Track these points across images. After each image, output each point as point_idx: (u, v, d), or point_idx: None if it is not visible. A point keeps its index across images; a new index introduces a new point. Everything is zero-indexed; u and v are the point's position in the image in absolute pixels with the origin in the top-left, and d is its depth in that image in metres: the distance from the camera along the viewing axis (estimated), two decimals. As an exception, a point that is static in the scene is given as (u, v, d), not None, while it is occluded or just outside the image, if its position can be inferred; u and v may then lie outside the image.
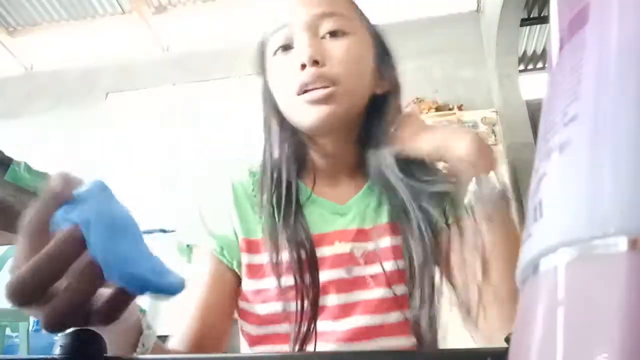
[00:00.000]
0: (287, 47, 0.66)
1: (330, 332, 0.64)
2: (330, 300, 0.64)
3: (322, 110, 0.62)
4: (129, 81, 4.41)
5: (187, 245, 0.72)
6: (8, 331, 2.22)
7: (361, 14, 0.73)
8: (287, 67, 0.65)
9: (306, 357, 0.50)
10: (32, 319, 2.68)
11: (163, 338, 0.55)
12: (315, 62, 0.62)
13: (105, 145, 4.18)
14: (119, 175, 4.04)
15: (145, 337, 0.45)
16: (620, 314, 0.12)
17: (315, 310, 0.61)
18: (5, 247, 2.54)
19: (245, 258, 0.67)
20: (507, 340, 0.37)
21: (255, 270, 0.66)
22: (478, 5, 4.05)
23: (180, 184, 3.86)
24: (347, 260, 0.66)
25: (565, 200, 0.15)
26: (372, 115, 0.69)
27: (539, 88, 4.79)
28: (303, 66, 0.62)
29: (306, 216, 0.68)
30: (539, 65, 5.01)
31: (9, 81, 4.70)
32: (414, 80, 3.81)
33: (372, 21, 0.75)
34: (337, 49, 0.64)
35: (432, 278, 0.62)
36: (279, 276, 0.63)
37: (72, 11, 4.32)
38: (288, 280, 0.62)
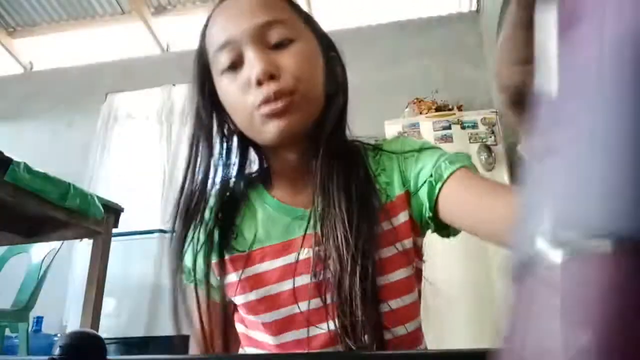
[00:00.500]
0: (235, 66, 0.64)
1: (307, 339, 0.65)
2: (300, 307, 0.65)
3: (282, 123, 0.63)
4: (129, 81, 4.41)
5: None
6: (7, 332, 2.22)
7: (302, 14, 0.71)
8: (239, 84, 0.64)
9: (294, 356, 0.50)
10: (31, 320, 2.69)
11: (164, 338, 0.56)
12: (271, 77, 0.62)
13: (105, 145, 4.18)
14: (119, 175, 4.05)
15: None
16: (606, 314, 0.13)
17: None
18: (5, 248, 2.54)
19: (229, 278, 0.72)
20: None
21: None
22: (478, 5, 4.05)
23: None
24: (314, 265, 0.65)
25: (552, 202, 0.15)
26: (324, 117, 0.69)
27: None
28: (259, 82, 0.62)
29: (270, 225, 0.70)
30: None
31: (9, 81, 4.70)
32: (414, 81, 3.82)
33: (310, 16, 0.74)
34: (287, 58, 0.64)
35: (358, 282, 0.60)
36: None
37: (71, 11, 4.32)
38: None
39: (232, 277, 0.70)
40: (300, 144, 0.68)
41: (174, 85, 4.25)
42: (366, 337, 0.59)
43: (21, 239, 2.19)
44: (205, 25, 0.71)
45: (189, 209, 0.68)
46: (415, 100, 3.50)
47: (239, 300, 0.70)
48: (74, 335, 0.31)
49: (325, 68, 0.70)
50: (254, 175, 0.77)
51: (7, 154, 1.62)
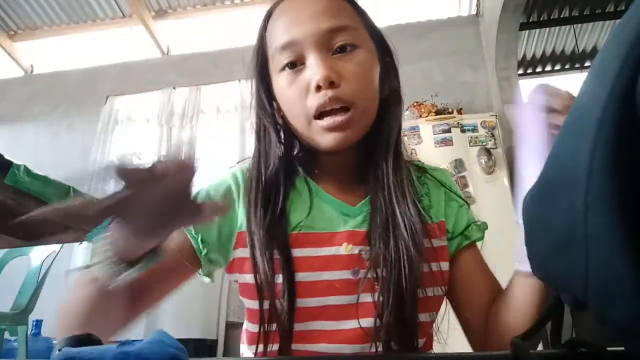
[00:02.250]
0: (294, 65, 0.65)
1: (331, 332, 0.64)
2: (333, 300, 0.65)
3: (339, 136, 0.64)
4: (129, 84, 4.41)
5: None
6: (7, 335, 2.21)
7: (364, 18, 0.72)
8: (299, 86, 0.65)
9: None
10: (31, 323, 2.68)
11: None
12: (331, 83, 0.62)
13: (105, 148, 4.18)
14: (118, 178, 4.04)
15: None
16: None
17: (291, 310, 0.62)
18: (4, 250, 2.54)
19: (242, 252, 0.68)
20: (512, 344, 0.37)
21: (249, 265, 0.67)
22: (478, 9, 4.06)
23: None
24: (355, 261, 0.66)
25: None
26: (378, 123, 0.71)
27: (538, 92, 4.79)
28: (318, 87, 0.62)
29: (317, 214, 0.70)
30: (538, 69, 5.02)
31: (10, 84, 4.71)
32: (414, 84, 3.82)
33: (373, 21, 0.75)
34: (349, 66, 0.64)
35: (412, 285, 0.62)
36: (255, 273, 0.64)
37: (72, 15, 4.33)
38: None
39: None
40: (352, 149, 0.69)
41: (174, 88, 4.26)
42: (395, 341, 0.61)
43: (21, 241, 2.19)
44: (268, 17, 0.71)
45: (268, 187, 0.69)
46: (415, 104, 3.50)
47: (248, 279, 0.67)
48: (73, 339, 0.31)
49: (381, 73, 0.72)
50: (299, 161, 0.76)
51: (7, 156, 1.61)
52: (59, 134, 4.36)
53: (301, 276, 0.65)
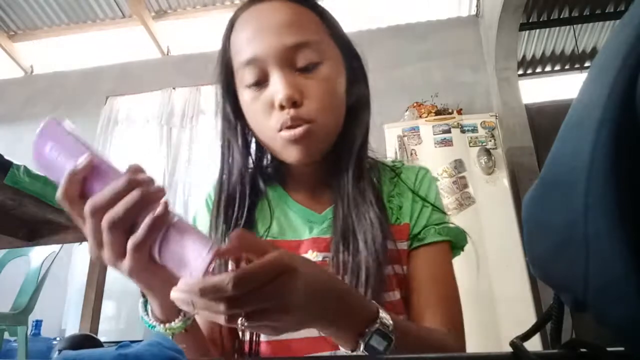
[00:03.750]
0: (258, 82, 0.65)
1: (299, 340, 0.65)
2: None
3: (301, 149, 0.65)
4: (129, 85, 4.41)
5: None
6: (6, 335, 2.21)
7: (329, 25, 0.71)
8: (262, 103, 0.65)
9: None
10: (30, 323, 2.68)
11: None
12: (294, 103, 0.63)
13: (105, 149, 4.18)
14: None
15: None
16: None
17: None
18: (4, 251, 2.53)
19: None
20: (512, 344, 0.37)
21: None
22: (478, 9, 4.06)
23: (180, 187, 3.85)
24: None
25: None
26: (346, 132, 0.71)
27: (538, 92, 4.79)
28: (282, 107, 0.63)
29: (284, 222, 0.72)
30: (538, 69, 5.02)
31: (10, 85, 4.70)
32: (414, 84, 3.82)
33: (340, 26, 0.74)
34: (312, 84, 0.64)
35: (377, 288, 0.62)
36: None
37: (72, 15, 4.33)
38: None
39: None
40: (320, 160, 0.70)
41: (174, 88, 4.26)
42: None
43: (20, 242, 2.19)
44: (230, 27, 0.70)
45: (231, 201, 0.70)
46: (415, 104, 3.50)
47: None
48: (73, 339, 0.31)
49: (348, 79, 0.71)
50: (269, 170, 0.78)
51: (7, 157, 1.61)
52: (59, 135, 4.36)
53: None
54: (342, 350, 0.52)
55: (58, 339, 3.07)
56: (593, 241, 0.23)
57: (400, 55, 3.93)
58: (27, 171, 1.65)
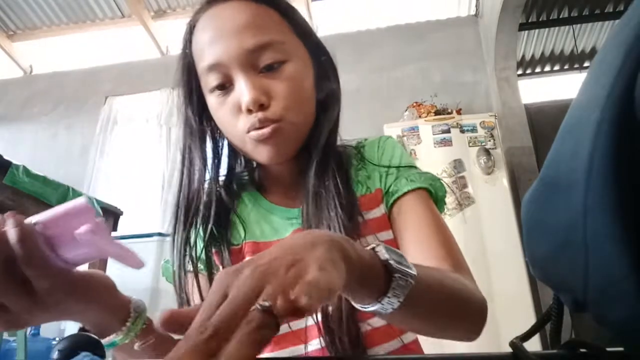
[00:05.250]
0: (223, 86, 0.65)
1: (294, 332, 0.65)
2: None
3: (271, 148, 0.65)
4: (129, 85, 4.41)
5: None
6: (5, 335, 2.21)
7: (292, 22, 0.69)
8: (229, 107, 0.65)
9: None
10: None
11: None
12: (261, 105, 0.62)
13: (104, 148, 4.18)
14: (118, 178, 4.04)
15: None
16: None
17: None
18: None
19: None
20: (512, 345, 0.37)
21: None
22: (477, 9, 4.06)
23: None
24: None
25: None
26: (316, 128, 0.71)
27: (537, 92, 4.80)
28: (249, 110, 0.62)
29: (264, 225, 0.72)
30: (538, 69, 5.02)
31: (9, 85, 4.70)
32: (413, 84, 3.82)
33: (303, 23, 0.72)
34: (277, 84, 0.64)
35: None
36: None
37: (71, 15, 4.33)
38: None
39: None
40: (293, 158, 0.70)
41: (173, 88, 4.25)
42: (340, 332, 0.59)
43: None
44: (191, 30, 0.69)
45: (188, 211, 0.69)
46: (415, 104, 3.50)
47: None
48: (72, 339, 0.31)
49: (316, 75, 0.70)
50: (244, 174, 0.79)
51: (6, 156, 1.61)
52: (58, 134, 4.36)
53: None
54: None
55: (57, 339, 3.06)
56: (593, 241, 0.23)
57: (399, 55, 3.94)
58: (27, 171, 1.65)
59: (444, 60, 3.93)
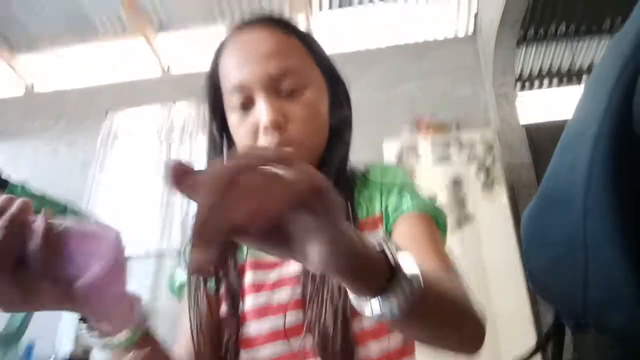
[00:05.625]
0: (245, 106, 0.68)
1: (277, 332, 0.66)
2: (290, 316, 0.66)
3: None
4: (130, 100, 4.43)
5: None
6: None
7: (313, 51, 0.73)
8: (248, 126, 0.68)
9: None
10: (24, 345, 2.64)
11: None
12: (278, 127, 0.65)
13: (104, 164, 4.19)
14: (118, 194, 4.04)
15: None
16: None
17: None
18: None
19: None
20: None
21: None
22: (475, 25, 4.11)
23: (178, 203, 3.85)
24: (297, 279, 0.67)
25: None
26: (328, 150, 0.73)
27: (535, 108, 4.82)
28: (267, 130, 0.65)
29: None
30: (536, 85, 5.06)
31: (10, 101, 4.72)
32: (412, 101, 3.84)
33: (322, 53, 0.75)
34: (296, 108, 0.67)
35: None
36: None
37: (73, 30, 4.37)
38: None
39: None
40: None
41: (174, 102, 4.28)
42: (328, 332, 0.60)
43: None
44: (219, 51, 0.74)
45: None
46: (414, 121, 3.52)
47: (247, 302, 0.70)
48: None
49: (331, 102, 0.74)
50: None
51: (7, 172, 1.61)
52: (59, 150, 4.36)
53: (261, 300, 0.68)
54: None
55: (52, 358, 3.03)
56: (592, 245, 0.23)
57: (399, 73, 3.97)
58: (24, 190, 1.65)
59: (442, 77, 3.96)
